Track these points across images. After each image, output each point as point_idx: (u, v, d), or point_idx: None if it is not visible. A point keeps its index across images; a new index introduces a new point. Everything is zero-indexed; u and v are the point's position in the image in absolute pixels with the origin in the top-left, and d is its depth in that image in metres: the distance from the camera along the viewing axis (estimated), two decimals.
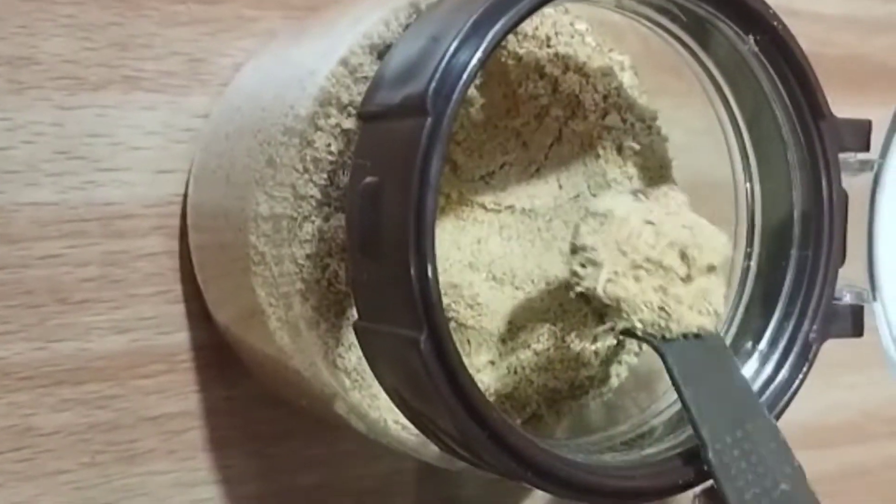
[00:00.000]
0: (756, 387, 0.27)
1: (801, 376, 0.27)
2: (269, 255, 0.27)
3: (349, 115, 0.26)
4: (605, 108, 0.30)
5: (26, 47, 0.30)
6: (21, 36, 0.30)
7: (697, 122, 0.30)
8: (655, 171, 0.31)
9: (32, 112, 0.30)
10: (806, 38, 0.27)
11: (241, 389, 0.33)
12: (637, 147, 0.30)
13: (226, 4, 0.33)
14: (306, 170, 0.26)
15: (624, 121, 0.30)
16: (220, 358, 0.33)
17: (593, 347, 0.30)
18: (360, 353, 0.25)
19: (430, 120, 0.22)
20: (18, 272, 0.30)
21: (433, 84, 0.22)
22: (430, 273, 0.22)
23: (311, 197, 0.26)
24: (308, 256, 0.26)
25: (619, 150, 0.30)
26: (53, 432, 0.31)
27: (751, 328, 0.29)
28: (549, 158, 0.30)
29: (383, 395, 0.26)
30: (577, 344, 0.30)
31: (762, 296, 0.29)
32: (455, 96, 0.22)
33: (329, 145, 0.26)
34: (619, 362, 0.31)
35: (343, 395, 0.27)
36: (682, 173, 0.32)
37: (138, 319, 0.32)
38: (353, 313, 0.25)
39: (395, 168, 0.23)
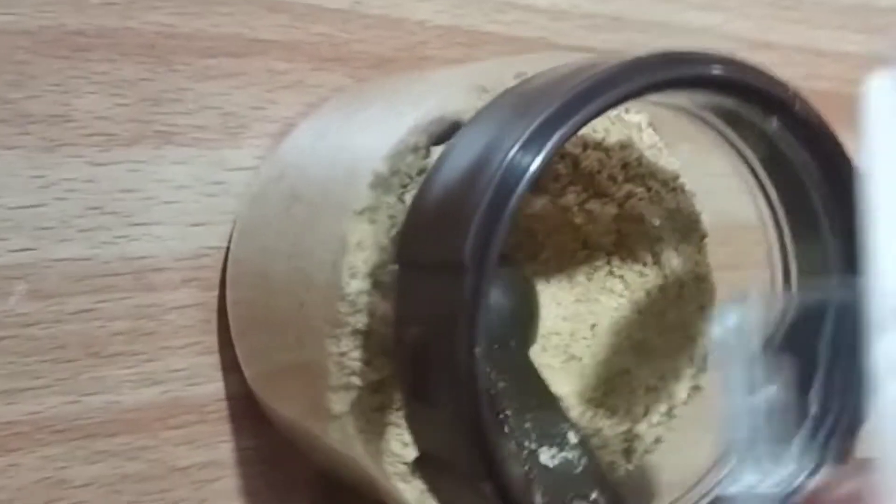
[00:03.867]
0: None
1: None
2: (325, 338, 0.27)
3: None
4: (626, 181, 0.30)
5: (59, 105, 0.30)
6: (55, 94, 0.30)
7: (720, 165, 0.30)
8: (685, 228, 0.31)
9: (65, 169, 0.30)
10: (830, 79, 0.27)
11: (269, 438, 0.33)
12: (657, 223, 0.30)
13: (256, 58, 0.33)
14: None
15: (648, 189, 0.30)
16: (249, 407, 0.33)
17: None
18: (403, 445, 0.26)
19: (469, 279, 0.22)
20: (51, 327, 0.30)
21: (471, 240, 0.22)
22: (486, 428, 0.22)
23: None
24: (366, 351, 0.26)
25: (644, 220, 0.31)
26: (86, 484, 0.31)
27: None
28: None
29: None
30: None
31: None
32: (492, 252, 0.22)
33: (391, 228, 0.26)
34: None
35: (384, 482, 0.27)
36: (710, 218, 0.32)
37: (169, 371, 0.32)
38: None
39: (439, 325, 0.22)
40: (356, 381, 0.26)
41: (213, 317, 0.33)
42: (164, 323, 0.32)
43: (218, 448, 0.33)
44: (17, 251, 0.30)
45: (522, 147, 0.22)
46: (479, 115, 0.25)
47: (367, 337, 0.26)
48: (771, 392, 0.23)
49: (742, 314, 0.23)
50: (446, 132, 0.27)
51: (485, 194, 0.22)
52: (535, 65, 0.27)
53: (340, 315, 0.26)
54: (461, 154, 0.24)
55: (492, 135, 0.23)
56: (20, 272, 0.30)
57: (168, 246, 0.32)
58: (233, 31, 0.33)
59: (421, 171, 0.26)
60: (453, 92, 0.27)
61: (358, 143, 0.28)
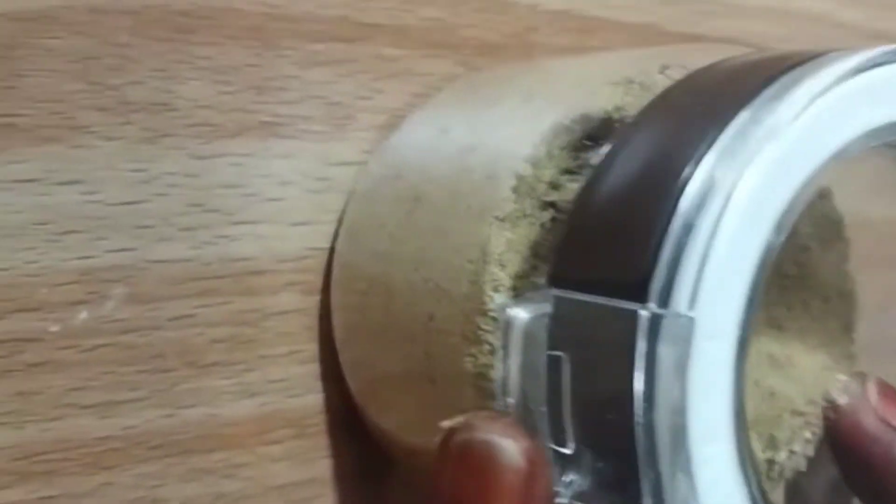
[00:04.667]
0: None
1: None
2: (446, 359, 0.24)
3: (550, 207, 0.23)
4: None
5: (162, 92, 0.28)
6: (156, 80, 0.28)
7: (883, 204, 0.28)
8: (829, 234, 0.29)
9: (167, 162, 0.28)
10: None
11: (370, 454, 0.31)
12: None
13: (364, 43, 0.31)
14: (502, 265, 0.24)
15: None
16: (350, 420, 0.31)
17: None
18: None
19: (647, 315, 0.19)
20: (149, 334, 0.28)
21: (659, 267, 0.19)
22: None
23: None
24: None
25: None
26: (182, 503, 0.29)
27: None
28: None
29: None
30: None
31: None
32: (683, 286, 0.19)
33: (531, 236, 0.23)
34: None
35: None
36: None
37: (268, 382, 0.30)
38: None
39: (604, 360, 0.20)
40: (492, 404, 0.24)
41: (315, 323, 0.30)
42: (264, 330, 0.30)
43: (317, 464, 0.31)
44: (115, 251, 0.27)
45: (721, 157, 0.20)
46: (645, 115, 0.23)
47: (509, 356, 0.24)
48: None
49: None
50: (595, 130, 0.24)
51: (666, 211, 0.20)
52: (677, 57, 0.25)
53: (481, 332, 0.24)
54: (631, 161, 0.22)
55: (669, 139, 0.21)
56: (118, 274, 0.28)
57: (270, 246, 0.30)
58: (341, 14, 0.30)
59: (566, 171, 0.24)
60: (595, 87, 0.25)
61: (492, 142, 0.26)
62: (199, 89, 0.28)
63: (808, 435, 0.28)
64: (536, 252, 0.24)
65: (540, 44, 0.33)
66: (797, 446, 0.28)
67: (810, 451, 0.28)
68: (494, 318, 0.23)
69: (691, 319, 0.19)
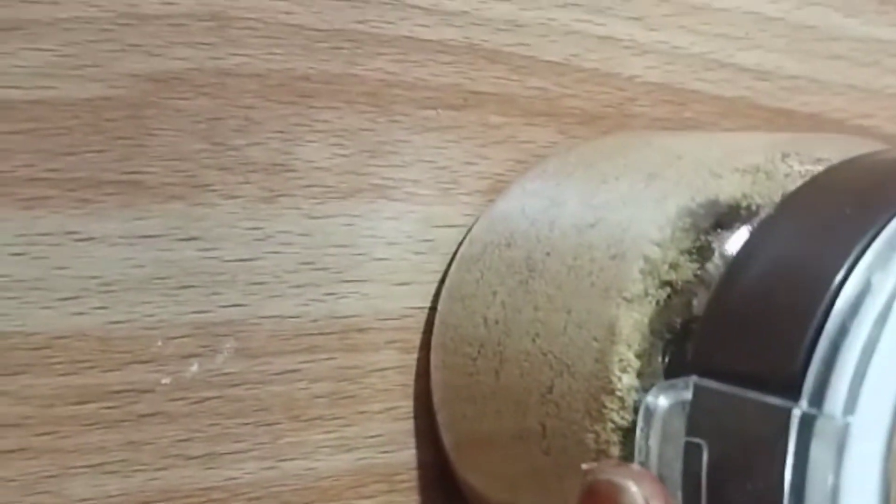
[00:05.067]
0: None
1: None
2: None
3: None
4: None
5: (281, 153, 0.29)
6: (277, 141, 0.28)
7: None
8: None
9: (282, 221, 0.29)
10: None
11: None
12: None
13: (473, 110, 0.31)
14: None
15: None
16: (441, 479, 0.31)
17: None
18: None
19: (800, 415, 0.19)
20: (256, 388, 0.29)
21: (812, 367, 0.20)
22: None
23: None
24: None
25: None
26: None
27: None
28: None
29: None
30: None
31: None
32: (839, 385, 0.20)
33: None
34: None
35: None
36: None
37: (365, 437, 0.30)
38: None
39: (748, 467, 0.20)
40: None
41: (412, 381, 0.31)
42: (364, 386, 0.30)
43: None
44: (228, 306, 0.28)
45: (878, 261, 0.20)
46: (786, 210, 0.23)
47: (628, 435, 0.24)
48: None
49: None
50: (723, 217, 0.25)
51: (819, 310, 0.20)
52: (796, 145, 0.26)
53: (605, 410, 0.24)
54: (776, 256, 0.22)
55: (818, 238, 0.22)
56: (230, 329, 0.28)
57: (374, 305, 0.30)
58: (453, 82, 0.31)
59: (685, 252, 0.25)
60: (721, 172, 0.25)
61: (614, 220, 0.26)
62: (317, 151, 0.29)
63: None
64: (654, 331, 0.24)
65: (637, 114, 0.34)
66: None
67: None
68: (621, 398, 0.24)
69: (847, 423, 0.20)
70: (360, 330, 0.30)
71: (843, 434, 0.20)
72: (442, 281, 0.31)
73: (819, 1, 0.37)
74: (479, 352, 0.28)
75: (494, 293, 0.28)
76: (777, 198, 0.24)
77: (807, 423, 0.20)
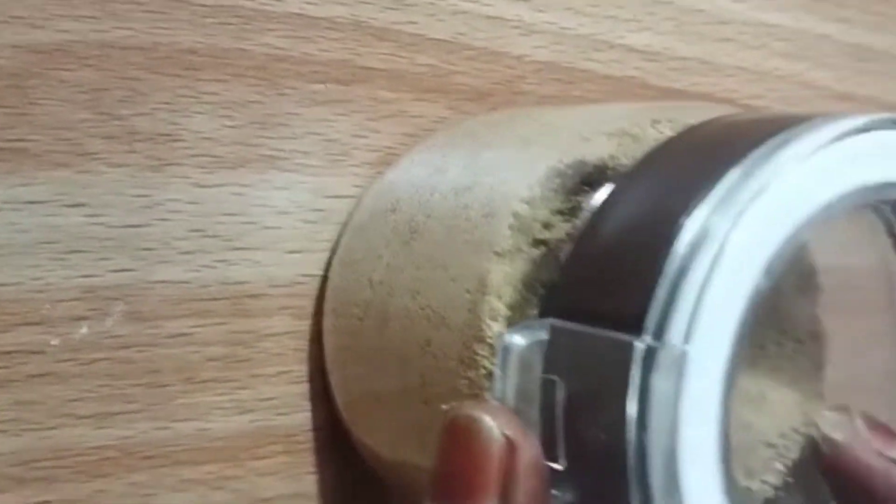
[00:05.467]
0: None
1: None
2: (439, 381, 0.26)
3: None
4: None
5: (168, 124, 0.30)
6: (164, 112, 0.30)
7: (860, 257, 0.29)
8: (803, 283, 0.30)
9: (171, 190, 0.30)
10: None
11: (351, 472, 0.33)
12: None
13: (361, 85, 0.32)
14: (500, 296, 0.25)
15: None
16: (335, 439, 0.32)
17: None
18: None
19: (643, 347, 0.21)
20: (147, 351, 0.30)
21: (655, 304, 0.21)
22: None
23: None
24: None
25: None
26: None
27: None
28: None
29: None
30: None
31: None
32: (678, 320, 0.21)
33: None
34: None
35: None
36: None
37: (259, 400, 0.31)
38: None
39: (598, 400, 0.21)
40: None
41: (306, 346, 0.32)
42: (258, 350, 0.31)
43: (303, 480, 0.32)
44: (117, 271, 0.29)
45: (716, 208, 0.22)
46: (644, 165, 0.24)
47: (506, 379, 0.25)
48: None
49: None
50: (590, 177, 0.26)
51: (663, 252, 0.22)
52: (666, 113, 0.27)
53: (478, 357, 0.25)
54: (631, 205, 0.24)
55: (668, 188, 0.23)
56: (119, 293, 0.29)
57: (266, 272, 0.31)
58: (341, 58, 0.32)
59: (558, 212, 0.26)
60: (590, 135, 0.27)
61: (489, 183, 0.28)
62: (205, 122, 0.30)
63: (779, 466, 0.29)
64: (527, 285, 0.26)
65: (526, 92, 0.35)
66: (769, 476, 0.29)
67: (779, 482, 0.30)
68: (491, 345, 0.25)
69: (685, 353, 0.21)
70: (252, 296, 0.31)
71: (682, 363, 0.21)
72: (334, 250, 0.32)
73: None
74: (365, 312, 0.30)
75: (380, 256, 0.29)
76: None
77: (649, 355, 0.21)
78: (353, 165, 0.32)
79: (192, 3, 0.30)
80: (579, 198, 0.26)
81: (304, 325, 0.32)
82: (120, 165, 0.29)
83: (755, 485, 0.29)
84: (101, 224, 0.29)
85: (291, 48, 0.31)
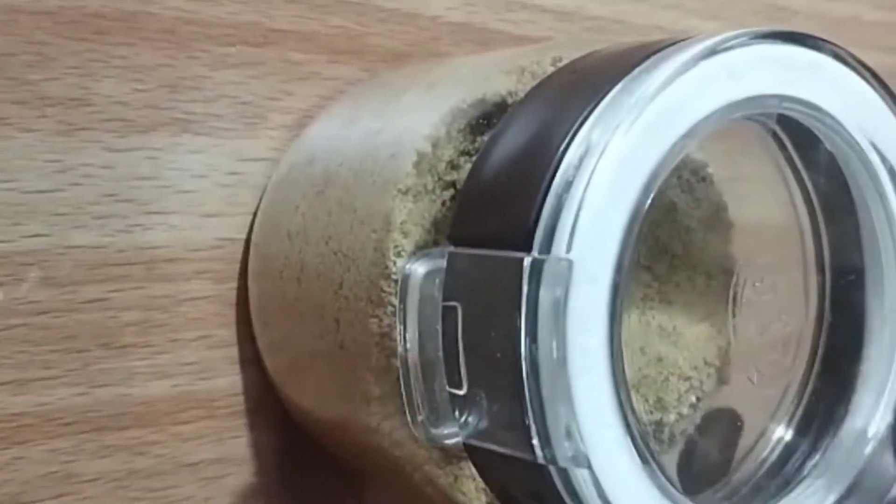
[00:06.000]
0: None
1: None
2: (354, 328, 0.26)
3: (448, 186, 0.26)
4: None
5: (78, 88, 0.30)
6: (74, 77, 0.29)
7: (755, 169, 0.30)
8: (713, 219, 0.31)
9: (82, 154, 0.30)
10: None
11: (277, 436, 0.33)
12: (688, 211, 0.31)
13: (273, 47, 0.33)
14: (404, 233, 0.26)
15: (679, 177, 0.30)
16: (259, 404, 0.33)
17: None
18: None
19: (530, 261, 0.21)
20: (63, 316, 0.30)
21: (542, 220, 0.22)
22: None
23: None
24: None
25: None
26: (94, 479, 0.30)
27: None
28: None
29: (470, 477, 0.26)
30: None
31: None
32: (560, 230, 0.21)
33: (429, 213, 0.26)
34: None
35: (426, 470, 0.27)
36: (744, 220, 0.32)
37: (179, 364, 0.31)
38: None
39: (494, 319, 0.22)
40: (395, 361, 0.26)
41: (227, 310, 0.32)
42: (176, 315, 0.31)
43: (226, 444, 0.32)
44: (30, 237, 0.29)
45: (595, 124, 0.22)
46: (532, 94, 0.25)
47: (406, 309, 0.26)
48: None
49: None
50: (489, 113, 0.26)
51: (548, 170, 0.22)
52: (570, 51, 0.27)
53: (384, 294, 0.26)
54: (519, 131, 0.24)
55: (552, 111, 0.23)
56: (33, 258, 0.29)
57: (182, 236, 0.31)
58: (251, 20, 0.32)
59: (464, 153, 0.26)
60: (491, 75, 0.27)
61: (396, 125, 0.28)
62: (115, 86, 0.30)
63: (693, 399, 0.30)
64: (438, 227, 0.26)
65: (443, 53, 0.36)
66: (684, 409, 0.30)
67: (697, 417, 0.30)
68: (396, 281, 0.25)
69: (569, 262, 0.21)
70: (169, 260, 0.31)
71: (566, 273, 0.21)
72: (254, 213, 0.32)
73: None
74: (284, 264, 0.30)
75: (296, 207, 0.30)
76: None
77: (536, 269, 0.21)
78: (268, 128, 0.33)
79: None
80: (484, 137, 0.26)
81: (224, 289, 0.32)
82: (31, 130, 0.29)
83: (671, 417, 0.29)
84: (14, 189, 0.29)
85: (200, 10, 0.31)
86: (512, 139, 0.24)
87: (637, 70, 0.23)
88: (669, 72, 0.23)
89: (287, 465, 0.33)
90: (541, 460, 0.22)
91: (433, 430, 0.23)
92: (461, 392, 0.23)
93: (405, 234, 0.26)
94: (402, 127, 0.27)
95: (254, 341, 0.32)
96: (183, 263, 0.31)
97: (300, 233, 0.29)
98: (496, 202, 0.23)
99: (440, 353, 0.23)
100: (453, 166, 0.27)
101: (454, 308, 0.23)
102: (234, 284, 0.32)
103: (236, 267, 0.32)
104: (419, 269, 0.24)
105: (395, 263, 0.25)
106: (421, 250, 0.25)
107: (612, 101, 0.22)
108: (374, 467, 0.30)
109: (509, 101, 0.26)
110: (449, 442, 0.24)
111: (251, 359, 0.32)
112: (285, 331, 0.30)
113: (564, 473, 0.22)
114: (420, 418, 0.24)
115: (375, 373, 0.26)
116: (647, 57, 0.23)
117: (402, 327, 0.24)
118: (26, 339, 0.29)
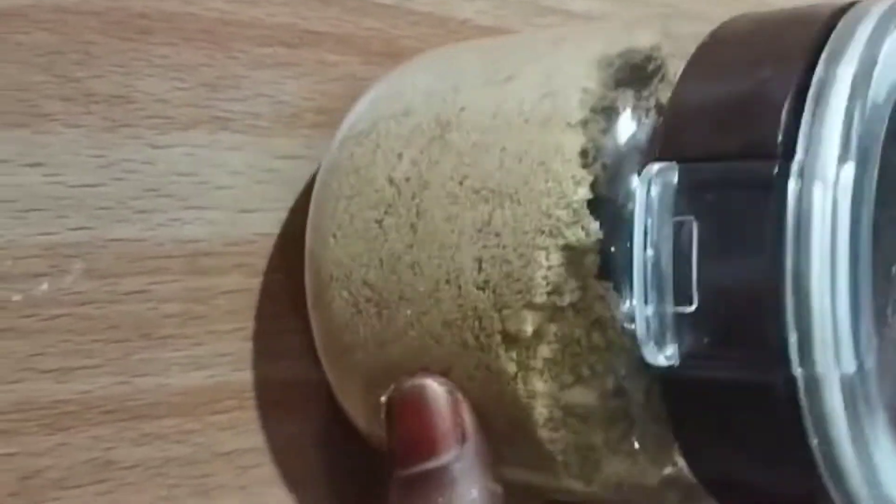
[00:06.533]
0: None
1: None
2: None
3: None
4: None
5: (122, 86, 0.31)
6: (117, 75, 0.30)
7: None
8: None
9: (125, 150, 0.31)
10: None
11: (311, 425, 0.34)
12: None
13: (309, 48, 0.34)
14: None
15: None
16: (291, 395, 0.33)
17: None
18: None
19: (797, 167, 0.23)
20: (105, 307, 0.31)
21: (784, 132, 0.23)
22: None
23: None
24: None
25: None
26: (133, 466, 0.31)
27: None
28: None
29: None
30: None
31: None
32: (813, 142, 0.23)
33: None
34: None
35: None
36: None
37: (216, 356, 0.32)
38: None
39: (735, 234, 0.23)
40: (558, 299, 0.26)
41: (262, 303, 0.33)
42: (213, 307, 0.32)
43: (260, 434, 0.33)
44: (75, 229, 0.30)
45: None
46: (719, 37, 0.27)
47: (573, 254, 0.26)
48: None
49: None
50: (635, 66, 0.28)
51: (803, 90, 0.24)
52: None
53: (559, 224, 0.26)
54: (733, 56, 0.26)
55: (765, 47, 0.25)
56: (77, 251, 0.30)
57: (219, 231, 0.32)
58: (287, 21, 0.33)
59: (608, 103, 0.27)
60: (633, 30, 0.29)
61: (535, 71, 0.29)
62: (156, 84, 0.31)
63: None
64: (599, 156, 0.27)
65: None
66: None
67: None
68: (576, 210, 0.26)
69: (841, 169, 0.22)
70: (207, 254, 0.32)
71: (814, 179, 0.22)
72: (291, 210, 0.33)
73: None
74: (385, 212, 0.29)
75: (399, 155, 0.30)
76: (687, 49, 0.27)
77: (781, 176, 0.23)
78: (303, 127, 0.33)
79: None
80: (626, 89, 0.27)
81: (258, 283, 0.33)
82: (76, 126, 0.30)
83: None
84: (59, 183, 0.30)
85: (239, 12, 0.32)
86: (726, 63, 0.26)
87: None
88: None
89: (322, 455, 0.34)
90: (796, 371, 0.22)
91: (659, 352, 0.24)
92: (690, 309, 0.23)
93: (579, 164, 0.26)
94: (545, 72, 0.28)
95: (287, 333, 0.33)
96: (220, 257, 0.32)
97: (412, 178, 0.29)
98: (726, 116, 0.24)
99: (670, 271, 0.24)
100: (609, 99, 0.27)
101: (689, 223, 0.24)
102: (270, 277, 0.33)
103: (271, 262, 0.33)
104: (655, 185, 0.24)
105: (576, 192, 0.26)
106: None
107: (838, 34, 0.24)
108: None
109: (655, 54, 0.28)
110: (666, 363, 0.24)
111: (285, 350, 0.33)
112: (377, 286, 0.29)
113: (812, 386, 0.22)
114: (650, 342, 0.24)
115: (533, 309, 0.26)
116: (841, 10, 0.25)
117: (639, 245, 0.24)
118: (70, 329, 0.30)
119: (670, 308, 0.24)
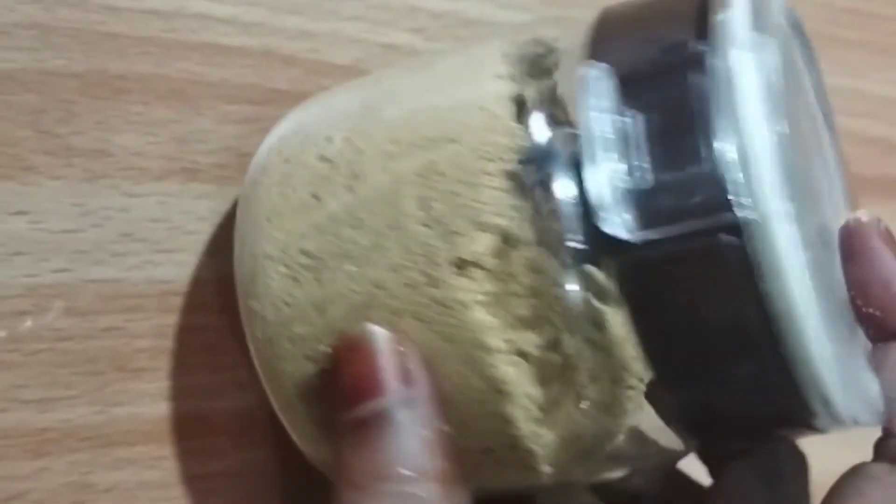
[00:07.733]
0: None
1: None
2: None
3: None
4: None
5: (100, 141, 0.34)
6: (96, 131, 0.33)
7: None
8: None
9: (103, 198, 0.34)
10: None
11: (276, 452, 0.37)
12: None
13: (272, 105, 0.37)
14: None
15: None
16: (253, 424, 0.36)
17: None
18: None
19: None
20: (83, 342, 0.33)
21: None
22: None
23: None
24: None
25: None
26: (108, 489, 0.34)
27: None
28: None
29: None
30: None
31: None
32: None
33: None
34: None
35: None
36: None
37: (184, 388, 0.35)
38: None
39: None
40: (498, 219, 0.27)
41: (228, 338, 0.36)
42: (181, 342, 0.35)
43: (228, 459, 0.36)
44: (56, 271, 0.33)
45: None
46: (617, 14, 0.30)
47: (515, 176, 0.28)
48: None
49: None
50: (546, 52, 0.30)
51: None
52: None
53: (500, 148, 0.28)
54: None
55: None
56: (58, 291, 0.33)
57: (188, 272, 0.35)
58: (252, 82, 0.36)
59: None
60: (528, 29, 0.31)
61: (454, 62, 0.32)
62: (132, 139, 0.34)
63: None
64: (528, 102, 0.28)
65: None
66: None
67: None
68: (520, 136, 0.28)
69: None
70: (176, 294, 0.35)
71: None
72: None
73: None
74: (321, 185, 0.30)
75: (329, 137, 0.30)
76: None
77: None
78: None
79: (119, 36, 0.34)
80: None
81: (225, 319, 0.36)
82: (58, 178, 0.33)
83: None
84: (42, 229, 0.33)
85: (206, 73, 0.35)
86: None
87: None
88: None
89: (284, 481, 0.37)
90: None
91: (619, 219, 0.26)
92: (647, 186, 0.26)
93: (518, 107, 0.28)
94: (465, 62, 0.31)
95: (250, 366, 0.36)
96: (189, 297, 0.35)
97: (344, 151, 0.30)
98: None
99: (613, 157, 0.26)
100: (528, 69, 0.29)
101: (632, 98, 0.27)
102: (232, 316, 0.36)
103: (233, 301, 0.36)
104: (594, 73, 0.27)
105: (515, 121, 0.28)
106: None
107: None
108: None
109: (556, 45, 0.30)
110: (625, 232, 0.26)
111: (248, 382, 0.36)
112: (327, 249, 0.29)
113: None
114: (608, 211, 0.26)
115: (484, 230, 0.27)
116: None
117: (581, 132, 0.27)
118: (51, 363, 0.33)
119: (623, 181, 0.26)
